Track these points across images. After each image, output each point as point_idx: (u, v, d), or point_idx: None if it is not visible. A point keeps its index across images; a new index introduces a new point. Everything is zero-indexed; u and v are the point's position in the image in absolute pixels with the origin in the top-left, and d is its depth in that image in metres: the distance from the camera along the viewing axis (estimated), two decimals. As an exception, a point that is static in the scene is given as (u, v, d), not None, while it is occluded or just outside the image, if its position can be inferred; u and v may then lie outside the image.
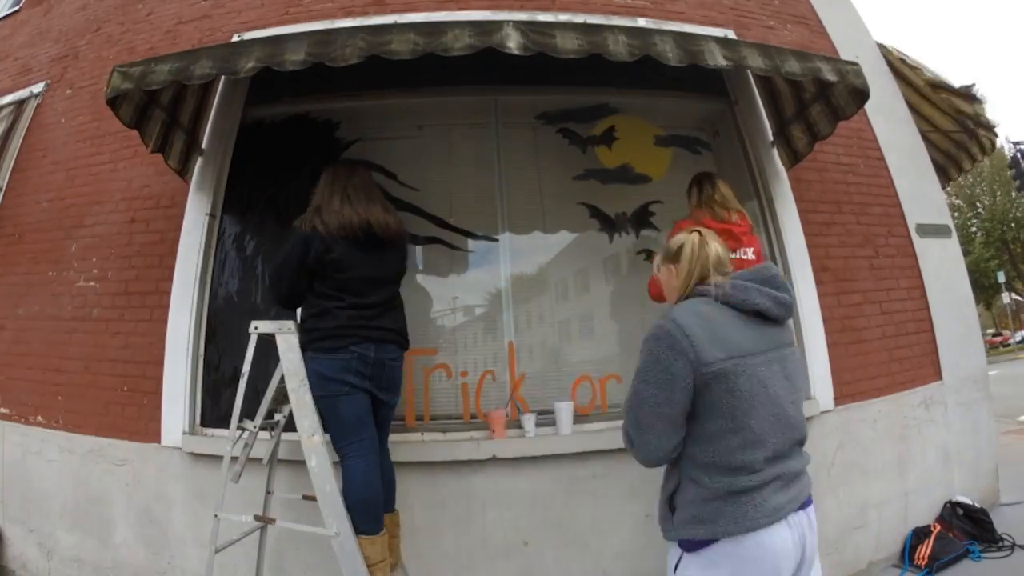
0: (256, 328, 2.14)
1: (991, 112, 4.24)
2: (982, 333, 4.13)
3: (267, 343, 2.14)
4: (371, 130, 3.22)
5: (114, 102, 2.30)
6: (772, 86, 3.00)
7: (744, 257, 2.47)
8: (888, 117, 3.76)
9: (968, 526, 2.99)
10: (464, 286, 3.11)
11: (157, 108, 2.57)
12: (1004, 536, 2.98)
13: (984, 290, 27.27)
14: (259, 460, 2.27)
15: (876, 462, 3.02)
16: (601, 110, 3.36)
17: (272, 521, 2.19)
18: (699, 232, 1.44)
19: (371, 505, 2.02)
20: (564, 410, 2.66)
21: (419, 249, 3.14)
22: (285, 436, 2.31)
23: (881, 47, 4.04)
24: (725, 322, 1.29)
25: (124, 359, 2.96)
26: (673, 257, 1.45)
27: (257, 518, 2.19)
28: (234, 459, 2.12)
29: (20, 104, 3.91)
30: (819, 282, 3.11)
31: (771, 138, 3.18)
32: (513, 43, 2.09)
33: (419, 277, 3.13)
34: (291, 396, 2.05)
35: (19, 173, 3.71)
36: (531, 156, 3.29)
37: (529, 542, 2.57)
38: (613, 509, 2.61)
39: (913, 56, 4.01)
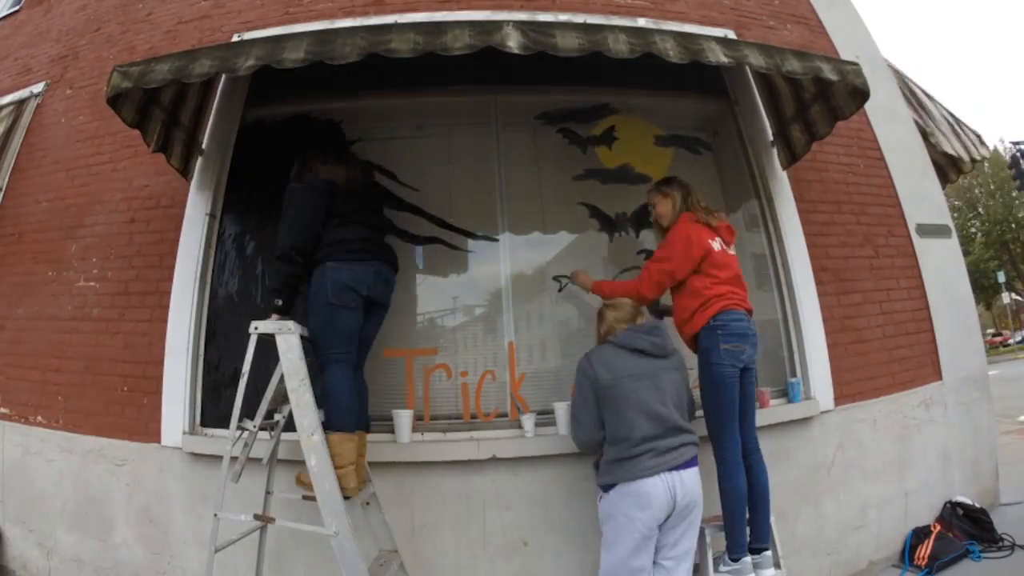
0: (256, 328, 2.14)
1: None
2: (982, 333, 4.13)
3: (267, 343, 2.14)
4: (371, 130, 3.21)
5: (115, 102, 2.30)
6: (772, 86, 3.00)
7: (730, 252, 2.53)
8: (888, 117, 3.76)
9: (968, 526, 3.00)
10: (464, 286, 3.11)
11: (157, 108, 2.57)
12: (1004, 536, 2.98)
13: (984, 290, 27.25)
14: (259, 460, 2.27)
15: (876, 462, 3.02)
16: (601, 110, 3.36)
17: (272, 520, 2.19)
18: (605, 305, 2.36)
19: (349, 404, 2.22)
20: (563, 410, 2.66)
21: (419, 249, 3.14)
22: (285, 436, 2.31)
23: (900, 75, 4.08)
24: (616, 357, 2.16)
25: (124, 359, 2.96)
26: (598, 318, 2.36)
27: (257, 517, 2.19)
28: (234, 459, 2.12)
29: (20, 104, 3.91)
30: (819, 282, 3.11)
31: (771, 138, 3.18)
32: (513, 42, 2.09)
33: (419, 277, 3.13)
34: (291, 396, 2.06)
35: (19, 173, 3.71)
36: (531, 156, 3.28)
37: (529, 542, 2.57)
38: (613, 509, 2.61)
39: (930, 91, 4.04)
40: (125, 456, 2.82)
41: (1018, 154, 12.55)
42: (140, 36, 3.74)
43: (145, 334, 2.93)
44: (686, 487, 2.04)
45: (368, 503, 2.38)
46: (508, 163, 3.20)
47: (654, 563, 2.07)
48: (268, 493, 2.33)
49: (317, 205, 2.29)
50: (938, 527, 2.96)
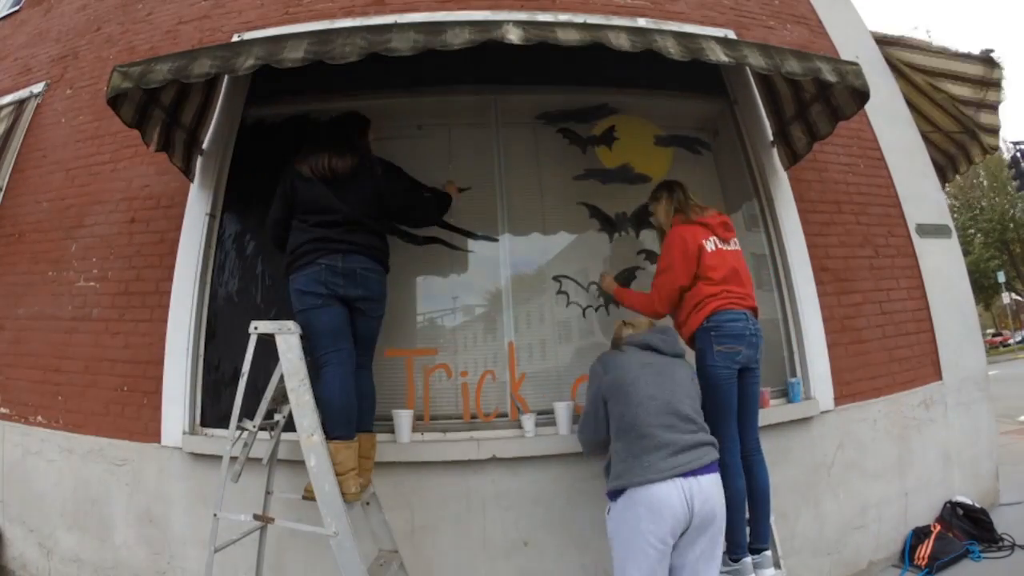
0: (256, 328, 2.14)
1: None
2: (982, 333, 4.13)
3: (267, 343, 2.14)
4: (371, 130, 3.21)
5: (115, 102, 2.30)
6: (772, 86, 3.00)
7: (728, 248, 2.44)
8: (888, 117, 3.76)
9: (968, 526, 3.00)
10: (464, 286, 3.10)
11: (157, 108, 2.57)
12: (1004, 536, 2.98)
13: (984, 290, 27.23)
14: (259, 460, 2.27)
15: (876, 462, 3.02)
16: (601, 110, 3.35)
17: (271, 520, 2.19)
18: (624, 323, 2.32)
19: (345, 410, 2.16)
20: (563, 410, 2.66)
21: (419, 249, 3.14)
22: (285, 436, 2.31)
23: (886, 38, 4.02)
24: (626, 354, 2.13)
25: (124, 359, 2.96)
26: (616, 332, 2.35)
27: (257, 517, 2.19)
28: (234, 459, 2.12)
29: (20, 104, 3.90)
30: (819, 282, 3.11)
31: (771, 138, 3.18)
32: (514, 35, 2.10)
33: (419, 277, 3.13)
34: (291, 396, 2.06)
35: (19, 173, 3.71)
36: (531, 156, 3.28)
37: (529, 542, 2.57)
38: (613, 509, 2.61)
39: (918, 38, 3.96)
40: (125, 456, 2.82)
41: (1018, 154, 12.54)
42: (140, 36, 3.74)
43: (145, 334, 2.93)
44: (705, 494, 1.77)
45: (368, 503, 2.38)
46: (508, 163, 3.20)
47: None
48: (268, 493, 2.33)
49: (278, 204, 2.39)
50: (938, 527, 2.96)
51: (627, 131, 3.34)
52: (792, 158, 3.08)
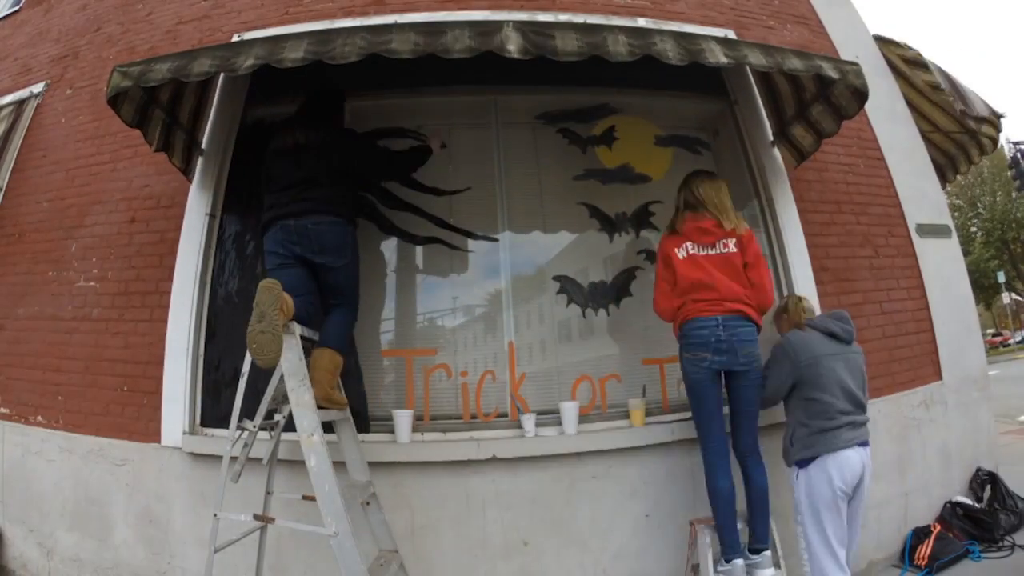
0: (256, 328, 2.14)
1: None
2: (982, 333, 4.13)
3: (267, 343, 2.13)
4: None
5: (115, 102, 2.30)
6: (772, 86, 3.00)
7: (706, 253, 2.39)
8: (888, 117, 3.76)
9: (968, 526, 2.99)
10: (464, 286, 3.11)
11: (157, 108, 2.57)
12: (1004, 536, 2.98)
13: (984, 290, 27.24)
14: (259, 460, 2.27)
15: (876, 462, 2.96)
16: (601, 110, 3.36)
17: (271, 520, 2.19)
18: (798, 298, 2.57)
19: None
20: (569, 410, 2.66)
21: (419, 249, 3.14)
22: (285, 436, 2.31)
23: (891, 44, 4.02)
24: (812, 338, 2.34)
25: (124, 359, 2.96)
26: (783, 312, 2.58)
27: (257, 517, 2.19)
28: (234, 459, 2.12)
29: (20, 104, 3.91)
30: (819, 282, 3.11)
31: (771, 138, 3.18)
32: (513, 46, 2.09)
33: (419, 277, 3.14)
34: (291, 396, 2.05)
35: (19, 173, 3.71)
36: (531, 156, 3.28)
37: (529, 542, 2.57)
38: (613, 509, 2.61)
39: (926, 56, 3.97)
40: (125, 456, 2.82)
41: (1018, 154, 12.54)
42: (140, 36, 3.74)
43: (145, 334, 2.93)
44: (868, 463, 2.26)
45: (368, 503, 2.38)
46: (508, 163, 3.20)
47: None
48: (268, 493, 2.33)
49: (262, 185, 2.57)
50: (938, 527, 2.96)
51: (627, 131, 3.34)
52: (799, 157, 3.07)
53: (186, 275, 2.90)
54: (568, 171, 3.27)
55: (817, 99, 2.74)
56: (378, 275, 3.05)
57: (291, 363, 2.08)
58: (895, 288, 3.39)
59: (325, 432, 2.11)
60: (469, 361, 2.95)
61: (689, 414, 2.48)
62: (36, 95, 3.90)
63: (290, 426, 2.14)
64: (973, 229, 27.15)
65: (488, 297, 3.09)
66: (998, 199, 26.52)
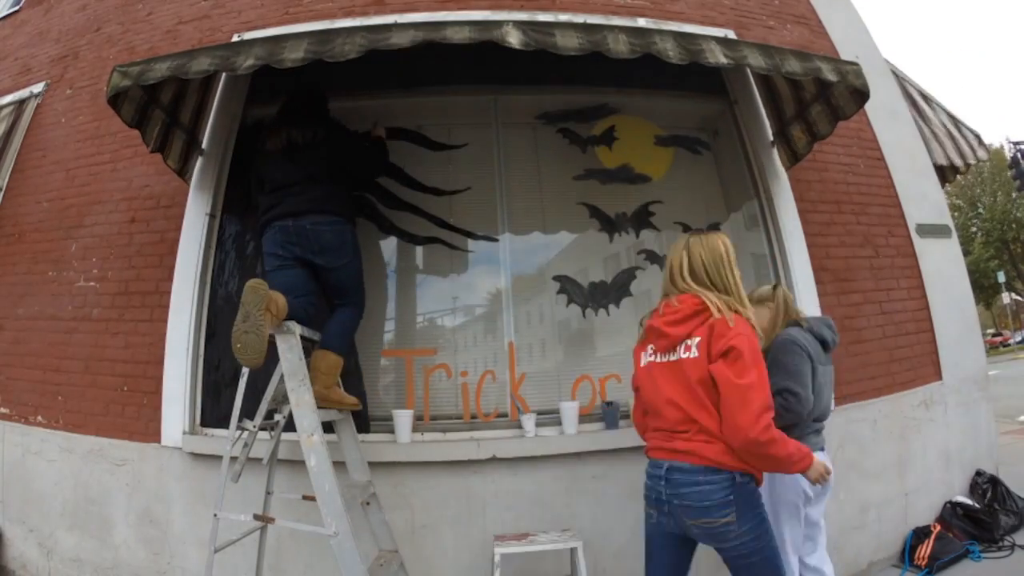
0: (256, 328, 2.14)
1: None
2: (982, 333, 4.13)
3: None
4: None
5: (115, 101, 2.30)
6: (772, 86, 3.00)
7: (662, 360, 1.71)
8: (888, 117, 3.76)
9: (968, 526, 3.00)
10: (464, 286, 3.11)
11: (157, 108, 2.57)
12: (1004, 536, 2.98)
13: (984, 290, 27.25)
14: (259, 460, 2.27)
15: (876, 462, 3.02)
16: (601, 110, 3.36)
17: (271, 520, 2.19)
18: (783, 288, 2.31)
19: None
20: (569, 410, 2.66)
21: (419, 249, 3.14)
22: (285, 436, 2.31)
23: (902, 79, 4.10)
24: (813, 342, 2.15)
25: (124, 359, 2.96)
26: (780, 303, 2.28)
27: (257, 517, 2.19)
28: (234, 459, 2.12)
29: (20, 104, 3.91)
30: (819, 282, 3.11)
31: (771, 138, 3.18)
32: (514, 38, 2.10)
33: (419, 277, 3.13)
34: (291, 396, 2.05)
35: (19, 173, 3.71)
36: (531, 156, 3.28)
37: (529, 542, 2.57)
38: (613, 509, 2.61)
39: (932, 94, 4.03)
40: (125, 456, 2.82)
41: (1018, 154, 12.54)
42: (140, 36, 3.74)
43: (145, 334, 2.93)
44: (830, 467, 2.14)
45: (368, 503, 2.38)
46: (508, 163, 3.20)
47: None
48: (268, 493, 2.33)
49: (252, 185, 2.61)
50: (938, 527, 2.96)
51: (627, 131, 3.34)
52: (793, 158, 3.08)
53: (186, 275, 2.90)
54: (568, 171, 3.26)
55: (817, 99, 2.74)
56: (378, 275, 3.05)
57: (291, 363, 2.08)
58: (895, 288, 3.38)
59: (325, 432, 2.11)
60: (469, 361, 2.95)
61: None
62: (36, 95, 3.90)
63: (290, 426, 2.14)
64: (973, 229, 27.15)
65: (488, 297, 3.09)
66: (998, 199, 26.53)
